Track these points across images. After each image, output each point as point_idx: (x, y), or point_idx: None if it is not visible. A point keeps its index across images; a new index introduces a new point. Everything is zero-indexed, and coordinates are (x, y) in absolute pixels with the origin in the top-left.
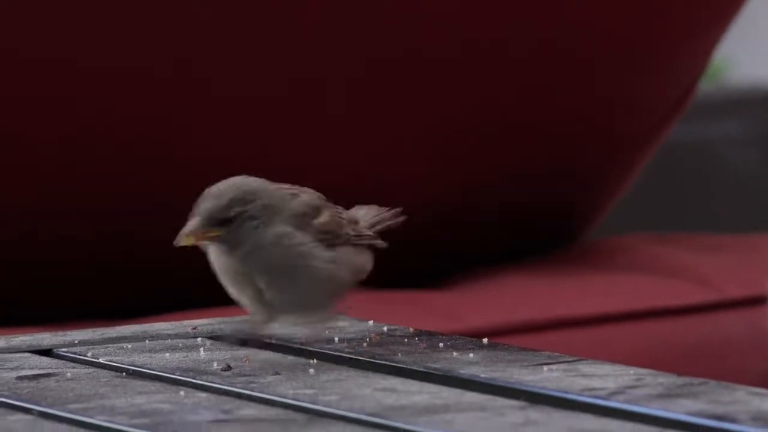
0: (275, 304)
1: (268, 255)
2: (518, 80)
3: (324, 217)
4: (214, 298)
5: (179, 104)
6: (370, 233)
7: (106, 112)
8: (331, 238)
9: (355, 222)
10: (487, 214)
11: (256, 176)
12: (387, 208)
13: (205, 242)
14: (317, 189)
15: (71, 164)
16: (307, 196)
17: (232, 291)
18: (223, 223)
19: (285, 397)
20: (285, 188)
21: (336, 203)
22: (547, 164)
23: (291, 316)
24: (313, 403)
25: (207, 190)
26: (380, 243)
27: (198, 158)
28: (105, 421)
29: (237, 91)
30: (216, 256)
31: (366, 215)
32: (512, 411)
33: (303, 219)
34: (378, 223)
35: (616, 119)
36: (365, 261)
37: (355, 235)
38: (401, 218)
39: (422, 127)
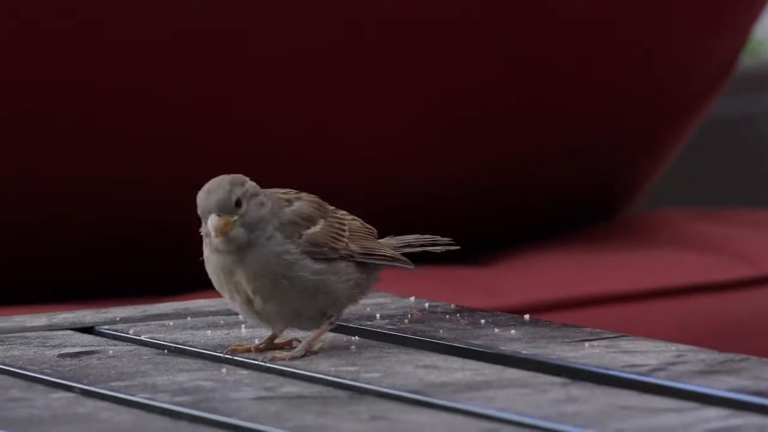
0: (262, 313)
1: (255, 258)
2: (559, 51)
3: (316, 228)
4: None
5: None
6: (388, 253)
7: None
8: (325, 251)
9: (366, 236)
10: (527, 189)
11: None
12: (430, 236)
13: (233, 230)
14: (361, 159)
15: (113, 140)
16: (300, 204)
17: (225, 296)
18: (236, 206)
19: (327, 375)
20: (280, 193)
21: (383, 177)
22: (588, 139)
23: (279, 325)
24: (355, 381)
25: (200, 192)
26: (406, 265)
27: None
28: (147, 398)
29: (270, 61)
30: (209, 258)
31: (404, 239)
32: (554, 388)
33: (293, 228)
34: (413, 246)
35: (658, 93)
36: (367, 278)
37: (361, 253)
38: (448, 247)
39: (461, 99)
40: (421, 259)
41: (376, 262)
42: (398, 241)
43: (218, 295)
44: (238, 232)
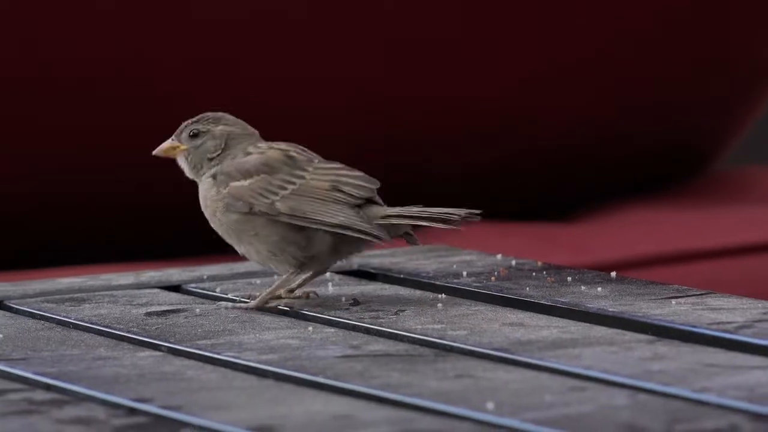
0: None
1: (199, 194)
2: (659, 7)
3: (244, 182)
4: None
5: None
6: (335, 221)
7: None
8: (239, 205)
9: (318, 199)
10: (616, 145)
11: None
12: (445, 210)
13: (178, 155)
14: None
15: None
16: (258, 156)
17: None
18: (190, 137)
19: (413, 332)
20: (261, 145)
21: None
22: (678, 92)
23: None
24: (441, 338)
25: None
26: (363, 236)
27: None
28: (233, 357)
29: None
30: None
31: (412, 210)
32: (640, 345)
33: (225, 178)
34: (420, 218)
35: (749, 44)
36: (309, 241)
37: (287, 213)
38: (453, 227)
39: (566, 58)
40: (508, 215)
41: (305, 224)
42: (408, 212)
43: None
44: (180, 160)
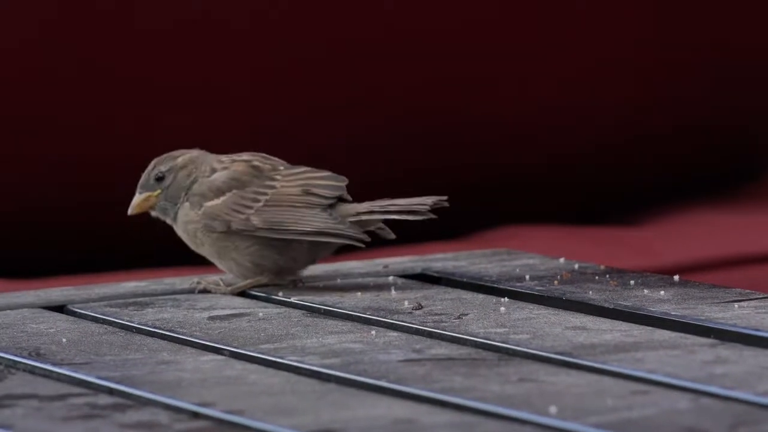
0: None
1: (177, 225)
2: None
3: (218, 201)
4: (403, 234)
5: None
6: (307, 228)
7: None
8: (216, 224)
9: (292, 207)
10: (679, 147)
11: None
12: (416, 201)
13: (152, 207)
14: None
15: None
16: (223, 173)
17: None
18: (157, 181)
19: (476, 336)
20: (216, 161)
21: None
22: (740, 93)
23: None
24: (504, 342)
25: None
26: (340, 239)
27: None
28: (296, 361)
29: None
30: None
31: (383, 204)
32: (703, 349)
33: (199, 199)
34: (390, 212)
35: None
36: (282, 251)
37: (263, 228)
38: (425, 216)
39: (621, 54)
40: (570, 219)
41: (282, 236)
42: (378, 206)
43: (369, 257)
44: (161, 204)
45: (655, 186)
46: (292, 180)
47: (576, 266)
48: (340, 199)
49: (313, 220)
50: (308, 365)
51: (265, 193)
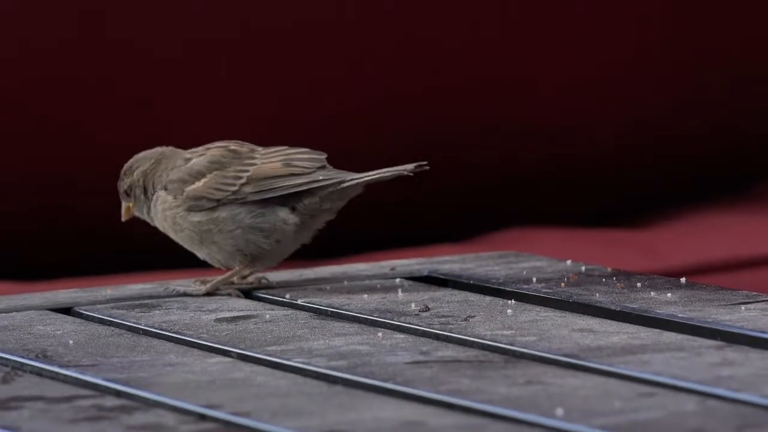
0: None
1: (154, 219)
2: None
3: (199, 183)
4: (410, 236)
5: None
6: (299, 180)
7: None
8: (202, 203)
9: (278, 176)
10: (685, 148)
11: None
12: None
13: (134, 211)
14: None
15: None
16: (199, 159)
17: None
18: (127, 195)
19: (483, 338)
20: (186, 154)
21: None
22: (750, 94)
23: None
24: (511, 344)
25: None
26: (328, 180)
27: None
28: (303, 363)
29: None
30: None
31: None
32: (709, 351)
33: (178, 185)
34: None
35: None
36: (274, 220)
37: (255, 191)
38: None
39: (629, 56)
40: (577, 221)
41: (276, 194)
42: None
43: (376, 259)
44: (137, 213)
45: (663, 188)
46: (272, 157)
47: (583, 268)
48: (323, 169)
49: (300, 179)
50: (315, 367)
51: (247, 170)
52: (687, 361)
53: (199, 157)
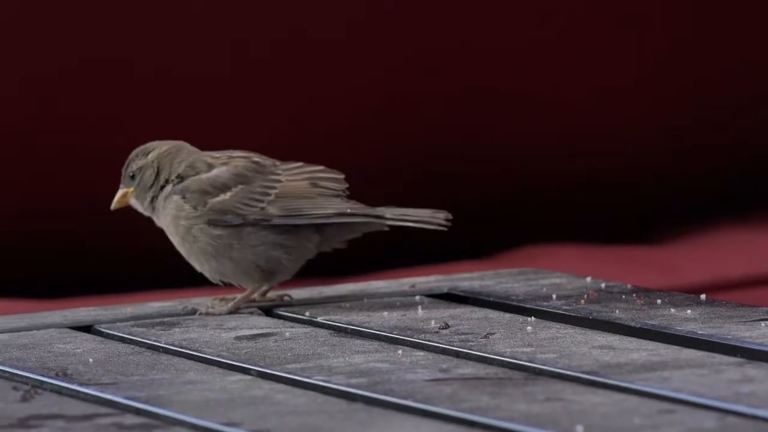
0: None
1: (161, 221)
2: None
3: (226, 196)
4: (429, 253)
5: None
6: (329, 211)
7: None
8: (228, 218)
9: (304, 196)
10: (705, 165)
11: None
12: (429, 212)
13: (131, 201)
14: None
15: None
16: (223, 169)
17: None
18: (131, 179)
19: (502, 356)
20: (209, 157)
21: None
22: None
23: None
24: (531, 362)
25: None
26: (357, 218)
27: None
28: (323, 380)
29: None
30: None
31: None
32: (729, 368)
33: (199, 195)
34: (408, 219)
35: None
36: (298, 241)
37: (282, 215)
38: (438, 227)
39: (653, 65)
40: (597, 238)
41: (302, 222)
42: (392, 212)
43: (396, 277)
44: (133, 202)
45: (682, 204)
46: (294, 174)
47: (603, 285)
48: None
49: (328, 205)
50: (335, 385)
51: (274, 187)
52: (707, 378)
53: (221, 166)
